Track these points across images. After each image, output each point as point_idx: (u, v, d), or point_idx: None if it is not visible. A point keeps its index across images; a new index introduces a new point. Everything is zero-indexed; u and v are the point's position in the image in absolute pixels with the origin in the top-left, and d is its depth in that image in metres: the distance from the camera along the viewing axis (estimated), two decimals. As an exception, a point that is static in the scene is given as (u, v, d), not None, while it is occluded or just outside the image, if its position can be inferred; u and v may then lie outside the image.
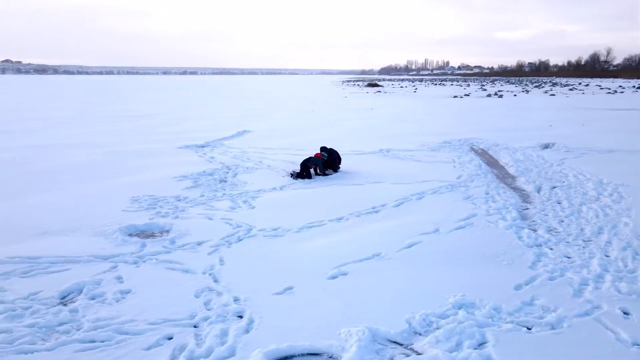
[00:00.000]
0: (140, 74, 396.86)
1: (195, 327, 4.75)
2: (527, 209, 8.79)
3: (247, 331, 4.65)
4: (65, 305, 5.19)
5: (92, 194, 9.77)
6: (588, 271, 5.97)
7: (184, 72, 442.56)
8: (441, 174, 11.73)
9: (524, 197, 9.60)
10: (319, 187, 10.53)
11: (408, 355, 4.28)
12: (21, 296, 5.31)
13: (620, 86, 70.44)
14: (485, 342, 4.45)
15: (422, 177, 11.29)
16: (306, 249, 6.81)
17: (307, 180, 11.11)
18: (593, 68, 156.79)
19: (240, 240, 7.23)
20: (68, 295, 5.42)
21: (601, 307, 5.07)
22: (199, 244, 7.04)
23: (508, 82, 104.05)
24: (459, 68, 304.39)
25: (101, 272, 5.99)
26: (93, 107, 35.04)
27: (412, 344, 4.45)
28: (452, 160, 13.61)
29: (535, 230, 7.53)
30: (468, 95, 52.36)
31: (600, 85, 74.97)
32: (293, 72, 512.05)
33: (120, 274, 5.94)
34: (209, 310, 5.06)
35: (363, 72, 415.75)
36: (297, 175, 11.36)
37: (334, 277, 5.89)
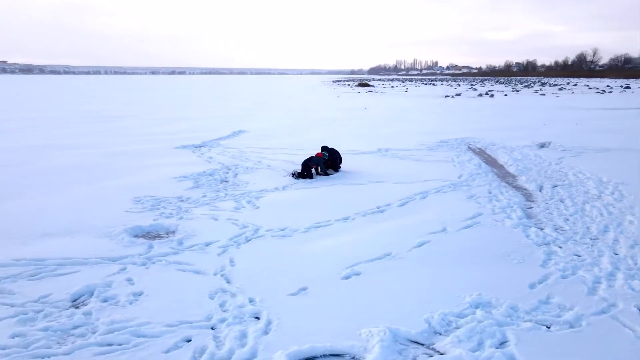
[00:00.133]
0: (128, 73, 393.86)
1: (212, 329, 4.69)
2: (531, 207, 8.83)
3: (266, 333, 4.60)
4: (77, 308, 5.10)
5: (93, 195, 9.64)
6: (599, 269, 6.00)
7: (173, 72, 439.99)
8: (442, 173, 11.75)
9: (527, 196, 9.64)
10: (321, 187, 10.49)
11: (431, 356, 4.26)
12: (31, 299, 5.21)
13: (608, 86, 71.30)
14: (506, 341, 4.44)
15: (424, 177, 11.30)
16: (316, 249, 6.77)
17: (308, 180, 11.07)
18: (580, 68, 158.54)
19: (248, 240, 7.17)
20: (79, 297, 5.33)
21: (617, 305, 5.09)
22: (207, 244, 6.97)
23: (497, 82, 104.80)
24: (448, 68, 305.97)
25: (111, 274, 5.89)
26: (81, 107, 34.67)
27: (434, 344, 4.43)
28: (452, 159, 13.64)
29: (542, 229, 7.56)
30: (459, 95, 52.63)
31: (588, 85, 75.81)
32: (282, 72, 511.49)
33: (131, 276, 5.85)
34: (225, 311, 5.01)
35: (352, 72, 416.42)
36: (298, 175, 11.31)
37: (347, 277, 5.85)
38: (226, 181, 11.00)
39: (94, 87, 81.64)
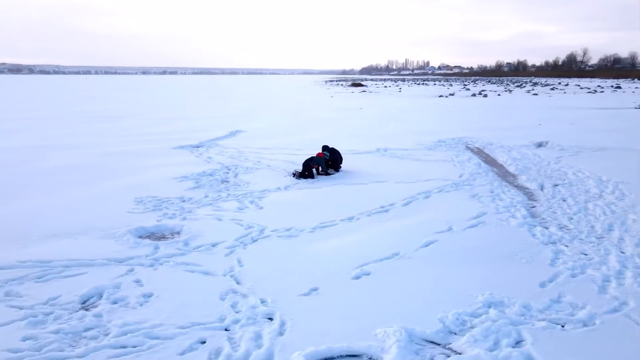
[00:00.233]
0: (119, 73, 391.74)
1: (226, 330, 4.65)
2: (534, 206, 8.86)
3: (280, 333, 4.57)
4: (87, 310, 5.04)
5: (93, 196, 9.55)
6: (608, 268, 6.02)
7: (164, 72, 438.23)
8: (443, 172, 11.77)
9: (529, 195, 9.68)
10: (323, 186, 10.47)
11: (448, 356, 4.25)
12: (40, 301, 5.14)
13: (599, 86, 71.92)
14: (522, 341, 4.44)
15: (425, 176, 11.31)
16: (324, 250, 6.74)
17: (310, 180, 11.04)
18: (570, 68, 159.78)
19: (254, 241, 7.13)
20: (88, 299, 5.27)
21: (628, 303, 5.11)
22: (214, 245, 6.92)
23: (489, 81, 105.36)
24: (439, 68, 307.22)
25: (119, 276, 5.83)
26: (74, 108, 34.39)
27: (450, 344, 4.42)
28: (451, 158, 13.67)
29: (547, 228, 7.59)
30: (453, 94, 52.83)
31: (579, 85, 76.44)
32: (274, 72, 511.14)
33: (139, 277, 5.79)
34: (237, 312, 4.96)
35: (344, 72, 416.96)
36: (299, 175, 11.28)
37: (357, 277, 5.84)
38: (227, 181, 10.94)
39: (87, 87, 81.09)
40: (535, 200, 9.24)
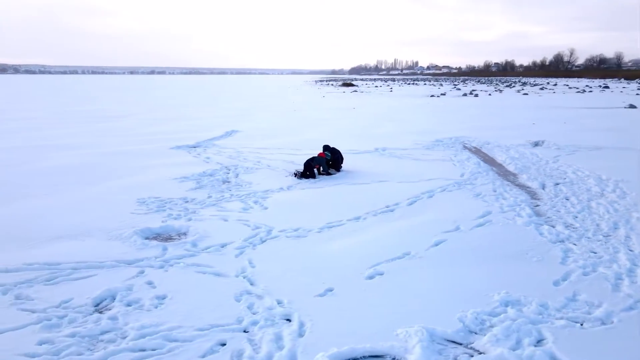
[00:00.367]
0: (106, 73, 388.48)
1: (245, 332, 4.60)
2: (538, 205, 8.90)
3: (300, 335, 4.53)
4: (101, 312, 4.96)
5: (95, 197, 9.43)
6: (618, 266, 6.07)
7: (152, 72, 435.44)
8: (443, 172, 11.80)
9: (531, 194, 9.73)
10: (326, 186, 10.43)
11: (471, 355, 4.24)
12: (53, 304, 5.05)
13: (587, 85, 72.69)
14: (543, 339, 4.45)
15: (426, 176, 11.32)
16: (334, 250, 6.71)
17: (312, 180, 11.00)
18: (557, 68, 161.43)
19: (263, 241, 7.08)
20: (101, 302, 5.19)
21: (642, 301, 5.15)
22: (223, 246, 6.86)
23: (479, 81, 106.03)
24: (428, 68, 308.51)
25: (130, 278, 5.76)
26: (65, 108, 33.98)
27: (472, 343, 4.42)
28: (450, 158, 13.71)
29: (553, 227, 7.62)
30: (444, 94, 53.07)
31: (568, 85, 77.20)
32: (263, 72, 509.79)
33: (150, 279, 5.72)
34: (254, 314, 4.92)
35: (333, 72, 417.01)
36: (301, 175, 11.24)
37: (371, 277, 5.81)
38: (228, 182, 10.87)
39: (78, 87, 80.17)
40: (539, 199, 9.29)
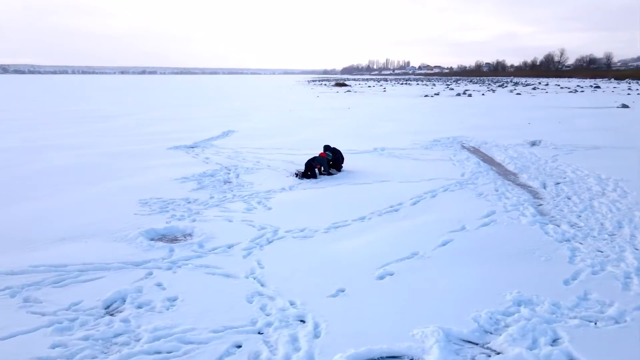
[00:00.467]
0: (97, 73, 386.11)
1: (260, 333, 4.57)
2: (540, 204, 8.94)
3: (316, 336, 4.51)
4: (112, 315, 4.90)
5: (96, 197, 9.34)
6: (626, 265, 6.10)
7: (143, 72, 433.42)
8: (444, 171, 11.82)
9: (533, 193, 9.77)
10: (328, 186, 10.41)
11: (489, 355, 4.23)
12: (62, 307, 4.99)
13: (578, 85, 73.28)
14: (559, 339, 4.46)
15: (427, 175, 11.33)
16: (342, 250, 6.69)
17: (313, 180, 10.97)
18: (548, 68, 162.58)
19: (270, 242, 7.04)
20: (112, 304, 5.13)
21: (653, 299, 5.17)
22: (230, 247, 6.81)
23: (471, 81, 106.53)
24: (420, 68, 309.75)
25: (138, 279, 5.70)
26: (60, 108, 33.69)
27: (488, 343, 4.41)
28: (449, 158, 13.74)
29: (558, 226, 7.65)
30: (438, 94, 53.24)
31: (559, 85, 77.80)
32: (255, 72, 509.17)
33: (160, 281, 5.67)
34: (268, 315, 4.88)
35: (325, 72, 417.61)
36: (302, 175, 11.21)
37: (381, 278, 5.80)
38: (229, 182, 10.81)
39: (71, 87, 79.49)
40: (541, 199, 9.33)
